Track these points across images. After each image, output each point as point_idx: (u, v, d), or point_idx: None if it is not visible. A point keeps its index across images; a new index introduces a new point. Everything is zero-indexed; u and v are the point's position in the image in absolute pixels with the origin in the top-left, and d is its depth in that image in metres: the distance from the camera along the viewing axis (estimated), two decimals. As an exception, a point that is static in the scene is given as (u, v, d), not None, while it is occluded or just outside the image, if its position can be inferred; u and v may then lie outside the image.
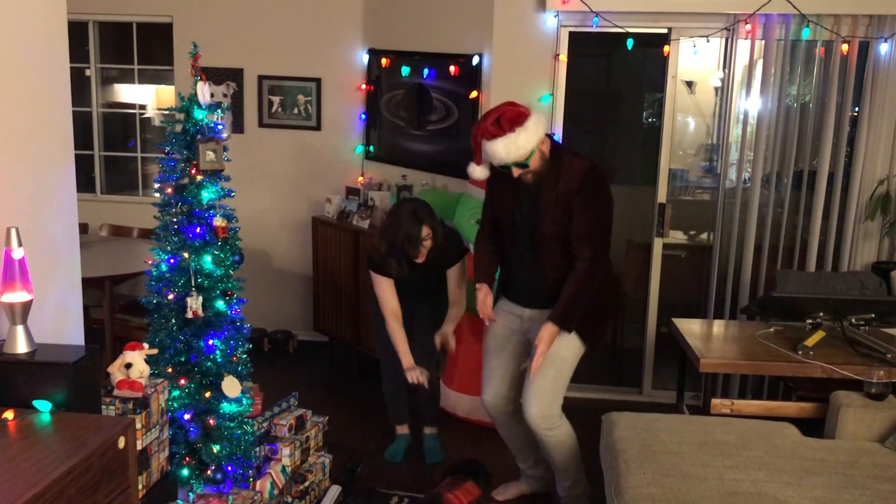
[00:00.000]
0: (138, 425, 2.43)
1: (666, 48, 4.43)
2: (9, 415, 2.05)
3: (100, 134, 5.89)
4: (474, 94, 4.63)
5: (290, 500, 3.30)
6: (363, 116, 5.42)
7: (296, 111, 5.50)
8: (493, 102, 4.51)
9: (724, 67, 4.61)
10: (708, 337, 3.78)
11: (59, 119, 2.56)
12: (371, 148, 5.41)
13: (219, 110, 2.93)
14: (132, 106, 5.97)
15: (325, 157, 5.51)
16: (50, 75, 2.50)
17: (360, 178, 5.38)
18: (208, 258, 2.91)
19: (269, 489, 3.14)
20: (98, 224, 5.46)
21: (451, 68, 4.74)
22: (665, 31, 4.44)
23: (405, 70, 5.00)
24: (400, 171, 5.16)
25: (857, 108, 4.41)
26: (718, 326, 4.04)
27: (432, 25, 4.92)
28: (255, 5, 5.41)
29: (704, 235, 5.16)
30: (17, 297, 2.19)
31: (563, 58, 4.49)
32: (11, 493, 1.67)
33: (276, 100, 5.50)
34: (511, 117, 2.99)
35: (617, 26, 4.36)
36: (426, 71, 4.93)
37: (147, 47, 5.79)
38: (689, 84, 5.90)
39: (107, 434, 1.99)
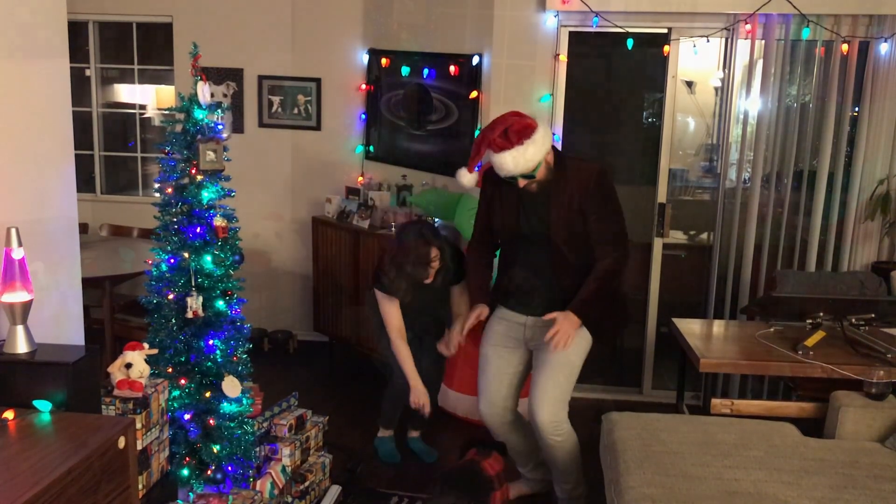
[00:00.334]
0: (138, 425, 2.43)
1: (666, 48, 4.43)
2: (9, 415, 2.05)
3: (100, 134, 5.89)
4: (474, 94, 4.63)
5: (290, 500, 3.30)
6: (363, 116, 5.42)
7: (296, 111, 5.50)
8: (493, 102, 4.52)
9: (724, 67, 4.61)
10: (708, 337, 3.78)
11: (59, 119, 2.56)
12: (371, 148, 5.41)
13: (219, 110, 2.93)
14: (132, 106, 5.97)
15: (325, 157, 5.51)
16: (50, 75, 2.50)
17: (360, 178, 5.38)
18: (208, 258, 2.90)
19: (270, 489, 3.14)
20: (98, 224, 5.46)
21: (451, 68, 4.74)
22: (665, 31, 4.44)
23: (405, 70, 5.00)
24: (400, 171, 5.16)
25: (857, 108, 4.41)
26: (718, 326, 4.04)
27: (432, 25, 4.92)
28: (255, 5, 5.41)
29: (704, 235, 5.16)
30: (17, 297, 2.19)
31: (563, 58, 4.49)
32: (11, 493, 1.67)
33: (275, 100, 5.50)
34: (519, 129, 2.99)
35: (617, 26, 4.36)
36: (426, 71, 4.93)
37: (147, 47, 5.79)
38: (689, 84, 5.89)
39: (107, 434, 1.99)
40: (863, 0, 4.20)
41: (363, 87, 5.37)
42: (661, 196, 4.63)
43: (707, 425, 3.15)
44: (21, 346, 2.22)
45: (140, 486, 2.43)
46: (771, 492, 2.67)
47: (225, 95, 5.45)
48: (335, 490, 3.56)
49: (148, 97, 6.03)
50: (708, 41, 4.38)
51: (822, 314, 3.58)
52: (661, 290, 4.75)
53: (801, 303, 3.63)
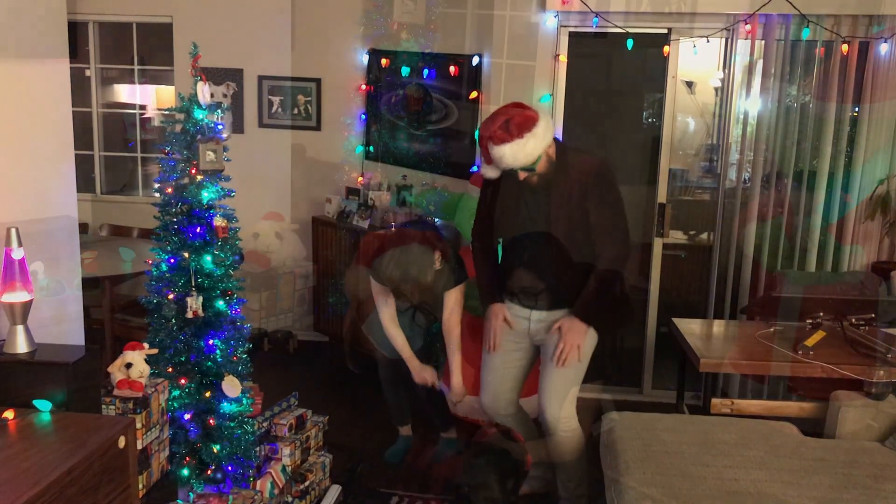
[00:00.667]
0: (138, 425, 2.43)
1: (666, 48, 4.43)
2: (9, 414, 2.05)
3: (99, 134, 5.89)
4: (474, 94, 4.64)
5: (290, 499, 3.30)
6: (363, 117, 5.42)
7: (296, 111, 5.50)
8: (493, 102, 4.52)
9: (724, 68, 4.61)
10: (708, 337, 3.78)
11: (59, 119, 2.56)
12: (371, 148, 5.41)
13: (219, 110, 2.93)
14: (132, 106, 5.97)
15: (325, 158, 5.51)
16: (50, 75, 2.51)
17: (360, 178, 5.38)
18: (208, 258, 2.90)
19: (270, 489, 3.14)
20: (98, 224, 5.46)
21: (451, 68, 4.74)
22: (665, 31, 4.44)
23: (405, 70, 5.00)
24: (400, 171, 5.17)
25: (857, 108, 4.41)
26: (718, 326, 4.04)
27: (432, 25, 4.92)
28: (255, 5, 5.41)
29: (704, 235, 5.16)
30: (17, 297, 2.19)
31: (563, 58, 4.49)
32: (11, 492, 1.67)
33: (275, 100, 5.50)
34: (520, 122, 2.95)
35: (617, 26, 4.36)
36: (426, 71, 4.93)
37: (147, 47, 5.79)
38: (689, 84, 5.89)
39: (107, 434, 1.99)
40: (863, 0, 4.20)
41: (363, 87, 5.37)
42: (661, 196, 4.63)
43: (707, 425, 3.15)
44: (21, 346, 2.22)
45: (140, 486, 2.43)
46: (771, 492, 2.67)
47: (225, 95, 5.46)
48: (335, 490, 3.56)
49: (148, 97, 6.03)
50: (708, 41, 4.38)
51: (822, 314, 3.58)
52: (661, 290, 4.75)
53: (801, 303, 3.63)
